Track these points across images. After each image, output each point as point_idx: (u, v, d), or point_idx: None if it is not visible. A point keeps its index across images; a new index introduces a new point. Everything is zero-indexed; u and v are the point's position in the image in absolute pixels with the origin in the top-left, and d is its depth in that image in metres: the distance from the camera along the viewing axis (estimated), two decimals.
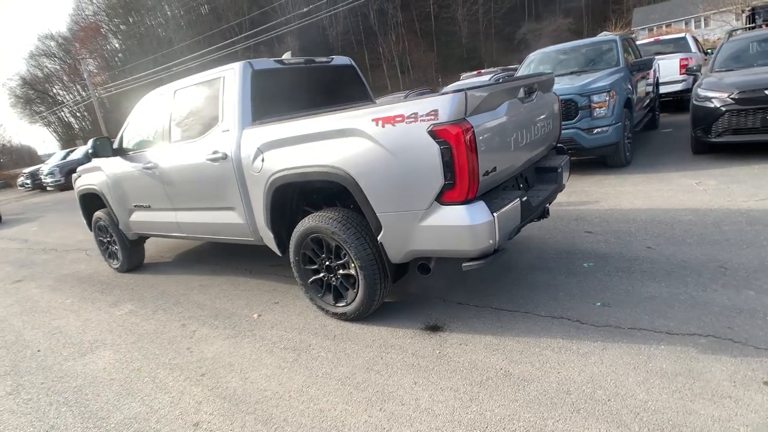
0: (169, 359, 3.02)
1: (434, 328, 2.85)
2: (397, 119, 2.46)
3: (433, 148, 2.35)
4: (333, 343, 2.86)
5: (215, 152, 3.42)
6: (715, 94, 5.55)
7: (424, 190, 2.47)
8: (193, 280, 4.55)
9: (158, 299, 4.17)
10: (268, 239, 3.37)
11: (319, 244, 3.08)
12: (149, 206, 4.36)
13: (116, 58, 69.19)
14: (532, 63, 7.72)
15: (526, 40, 64.54)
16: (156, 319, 3.73)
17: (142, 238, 5.07)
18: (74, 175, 5.49)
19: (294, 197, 3.33)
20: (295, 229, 3.15)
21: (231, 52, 51.88)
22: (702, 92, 5.71)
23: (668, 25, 40.03)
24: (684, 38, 10.82)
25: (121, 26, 71.92)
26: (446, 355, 2.55)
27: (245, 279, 4.32)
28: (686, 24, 39.25)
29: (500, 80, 3.69)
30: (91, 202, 5.29)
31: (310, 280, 3.20)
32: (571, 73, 6.69)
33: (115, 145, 4.49)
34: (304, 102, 3.86)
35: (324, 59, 4.06)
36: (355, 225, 2.86)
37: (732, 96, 5.36)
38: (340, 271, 3.02)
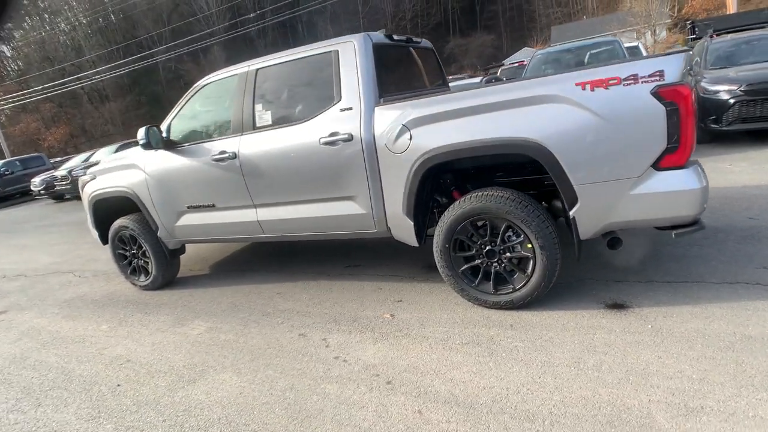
0: (323, 372, 2.56)
1: (618, 306, 2.70)
2: (611, 82, 2.30)
3: (658, 110, 2.23)
4: (518, 333, 2.60)
5: (334, 134, 3.03)
6: (723, 87, 6.05)
7: (639, 156, 2.33)
8: (261, 289, 4.00)
9: (235, 313, 3.60)
10: (403, 229, 3.03)
11: (476, 228, 2.82)
12: (213, 205, 3.77)
13: (9, 68, 61.89)
14: (535, 61, 7.96)
15: (454, 55, 67.66)
16: (254, 333, 3.19)
17: (180, 248, 4.40)
18: (83, 178, 4.66)
19: (435, 180, 3.04)
20: (446, 214, 2.85)
21: (152, 62, 48.72)
22: (710, 86, 6.20)
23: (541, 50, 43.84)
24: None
25: (14, 33, 64.60)
26: (661, 328, 2.40)
27: (329, 282, 3.88)
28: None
29: None
30: (108, 209, 4.51)
31: (462, 268, 2.91)
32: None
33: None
34: (400, 81, 3.59)
35: (417, 40, 3.82)
36: (532, 202, 2.65)
37: (741, 89, 5.88)
38: (506, 255, 2.77)
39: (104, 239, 4.68)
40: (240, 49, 63.62)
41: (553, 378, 2.17)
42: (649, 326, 2.44)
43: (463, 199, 2.79)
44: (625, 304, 2.71)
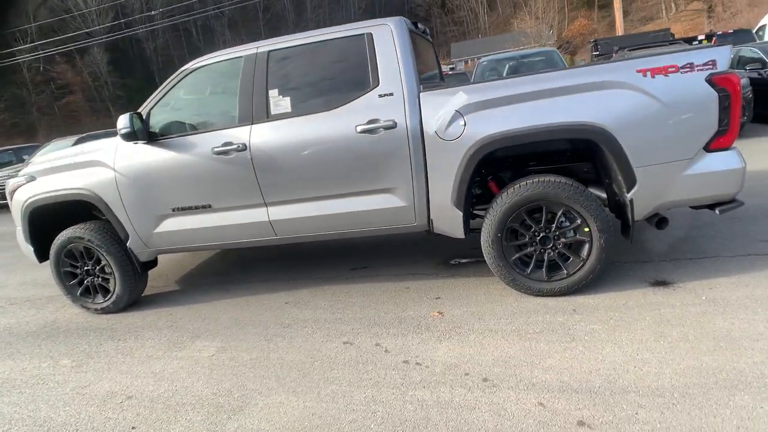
0: (401, 378, 2.30)
1: (662, 283, 2.84)
2: (670, 69, 2.43)
3: (712, 96, 2.40)
4: (586, 316, 2.60)
5: (373, 121, 2.81)
6: None
7: (693, 139, 2.48)
8: (261, 300, 3.55)
9: (244, 328, 3.13)
10: (449, 220, 2.88)
11: (530, 215, 2.79)
12: (208, 206, 3.27)
13: None
14: (481, 68, 8.34)
15: None
16: (285, 347, 2.80)
17: (153, 261, 3.76)
18: (13, 182, 3.78)
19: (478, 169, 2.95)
20: (498, 202, 2.78)
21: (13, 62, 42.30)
22: None
23: (479, 58, 47.37)
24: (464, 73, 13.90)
25: None
26: (715, 298, 2.57)
27: (341, 286, 3.57)
28: None
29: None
30: (51, 218, 3.71)
31: (513, 258, 2.85)
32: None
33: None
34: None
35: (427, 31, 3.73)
36: (586, 188, 2.69)
37: None
38: (562, 240, 2.78)
39: (42, 256, 3.84)
40: (127, 52, 58.13)
41: (651, 353, 2.19)
42: (704, 298, 2.60)
43: (517, 186, 2.74)
44: (666, 281, 2.86)
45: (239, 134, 3.08)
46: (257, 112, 3.07)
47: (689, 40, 14.35)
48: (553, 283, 2.83)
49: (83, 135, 11.24)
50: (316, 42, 3.02)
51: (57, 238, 3.67)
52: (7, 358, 3.26)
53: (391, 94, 2.81)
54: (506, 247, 2.84)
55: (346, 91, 2.93)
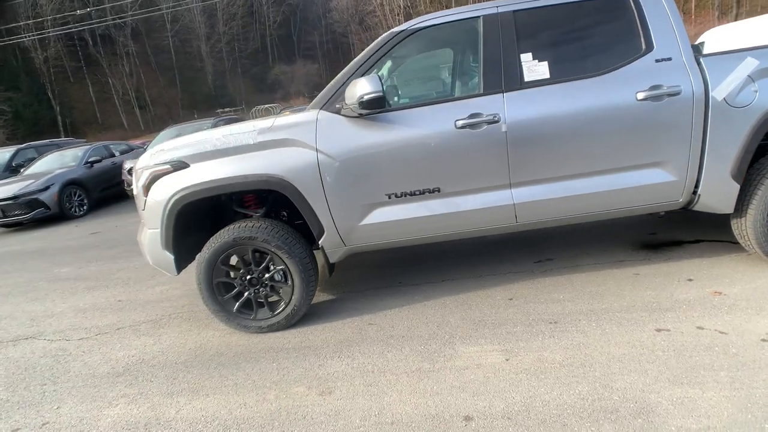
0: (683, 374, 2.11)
1: None
2: None
3: None
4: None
5: (655, 87, 2.61)
6: None
7: None
8: (473, 298, 3.12)
9: (493, 329, 2.71)
10: (722, 195, 2.74)
11: None
12: (437, 190, 2.81)
13: None
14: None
15: (280, 81, 67.19)
16: (591, 344, 2.46)
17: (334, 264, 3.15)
18: (150, 171, 2.96)
19: None
20: None
21: None
22: None
23: None
24: None
25: None
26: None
27: (551, 278, 3.26)
28: None
29: None
30: (201, 214, 2.98)
31: None
32: None
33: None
34: None
35: None
36: None
37: None
38: None
39: (182, 265, 3.06)
40: (10, 61, 51.30)
41: None
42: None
43: None
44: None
45: (489, 104, 2.70)
46: (508, 79, 2.71)
47: None
48: None
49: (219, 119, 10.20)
50: (569, 1, 2.76)
51: (213, 240, 2.93)
52: (203, 396, 2.49)
53: (670, 59, 2.65)
54: None
55: (612, 55, 2.70)
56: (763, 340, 2.24)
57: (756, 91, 2.59)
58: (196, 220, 3.09)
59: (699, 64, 2.65)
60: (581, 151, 2.71)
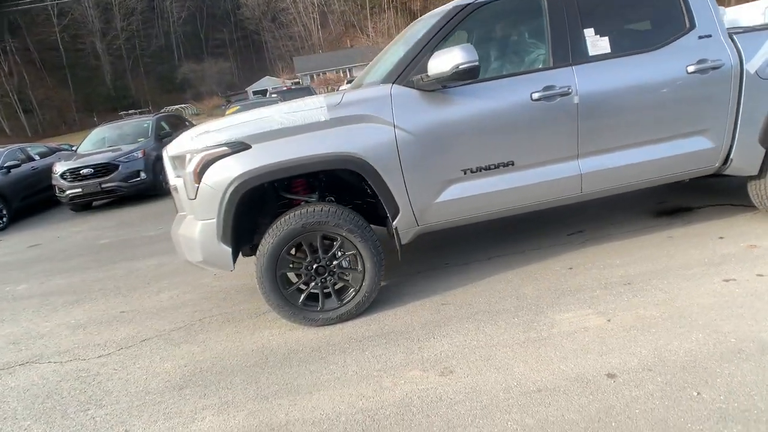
0: None
1: None
2: None
3: None
4: None
5: (702, 61, 2.87)
6: None
7: None
8: (536, 271, 3.20)
9: (575, 294, 2.80)
10: (752, 158, 3.06)
11: None
12: (511, 163, 2.83)
13: None
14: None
15: (189, 80, 63.08)
16: (681, 297, 2.63)
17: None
18: (196, 157, 2.62)
19: None
20: None
21: None
22: None
23: (324, 73, 48.39)
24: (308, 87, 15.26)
25: None
26: None
27: (599, 246, 3.43)
28: (337, 72, 48.35)
29: None
30: (258, 201, 2.73)
31: None
32: None
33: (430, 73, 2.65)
34: None
35: None
36: None
37: None
38: None
39: (235, 257, 2.78)
40: None
41: None
42: None
43: None
44: None
45: (561, 77, 2.77)
46: (575, 53, 2.81)
47: None
48: None
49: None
50: None
51: (277, 228, 2.69)
52: (307, 394, 2.26)
53: (710, 36, 2.91)
54: None
55: (662, 32, 2.91)
56: None
57: None
58: (248, 208, 2.81)
59: (733, 40, 2.94)
60: (641, 120, 2.89)
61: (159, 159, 8.74)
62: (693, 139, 3.00)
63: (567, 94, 2.76)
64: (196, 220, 2.70)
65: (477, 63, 2.42)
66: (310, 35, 70.93)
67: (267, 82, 56.46)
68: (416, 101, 2.68)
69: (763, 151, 3.06)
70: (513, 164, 2.83)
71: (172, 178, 2.83)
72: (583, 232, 3.77)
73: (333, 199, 3.15)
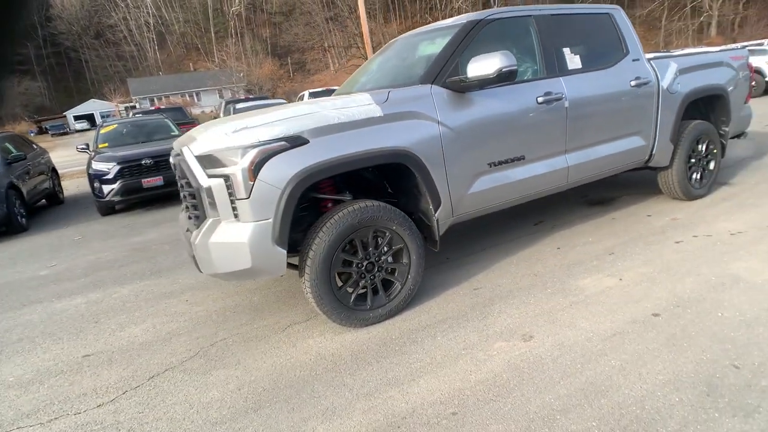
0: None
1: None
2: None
3: None
4: None
5: (638, 78, 3.73)
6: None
7: None
8: (535, 253, 3.64)
9: (574, 265, 3.32)
10: (666, 153, 4.02)
11: None
12: (522, 158, 3.24)
13: None
14: None
15: None
16: (675, 261, 3.31)
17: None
18: (252, 152, 2.41)
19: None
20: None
21: None
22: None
23: (167, 97, 44.61)
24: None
25: None
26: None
27: (573, 228, 4.05)
28: (182, 96, 44.92)
29: None
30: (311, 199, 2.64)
31: None
32: None
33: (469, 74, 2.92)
34: None
35: None
36: None
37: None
38: None
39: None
40: None
41: None
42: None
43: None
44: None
45: (554, 85, 3.30)
46: (560, 66, 3.39)
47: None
48: None
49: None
50: (572, 14, 3.64)
51: (331, 227, 2.63)
52: (412, 381, 2.24)
53: (638, 59, 3.79)
54: None
55: (609, 54, 3.69)
56: (732, 234, 3.49)
57: (679, 83, 3.97)
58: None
59: (651, 64, 3.88)
60: (605, 122, 3.60)
61: (11, 187, 7.17)
62: (635, 137, 3.83)
63: (560, 99, 3.30)
64: (244, 222, 2.46)
65: (516, 67, 2.78)
66: (146, 56, 64.95)
67: (93, 105, 49.65)
68: (452, 101, 2.91)
69: (672, 146, 4.06)
70: (524, 158, 3.25)
71: (204, 180, 2.52)
72: (543, 221, 4.39)
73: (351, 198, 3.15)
